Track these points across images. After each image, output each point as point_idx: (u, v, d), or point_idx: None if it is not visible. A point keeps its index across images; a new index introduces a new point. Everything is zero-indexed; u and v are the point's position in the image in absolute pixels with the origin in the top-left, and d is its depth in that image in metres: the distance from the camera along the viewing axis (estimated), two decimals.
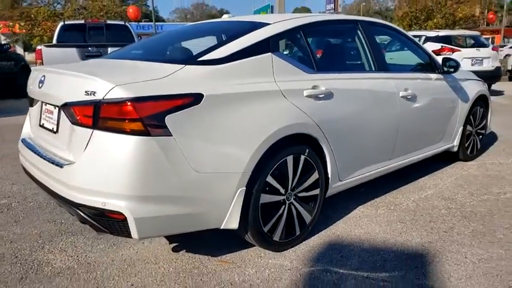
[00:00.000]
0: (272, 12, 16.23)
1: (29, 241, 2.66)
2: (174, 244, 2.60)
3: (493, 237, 2.67)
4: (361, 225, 2.87)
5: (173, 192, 1.97)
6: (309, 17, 2.81)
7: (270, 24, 2.58)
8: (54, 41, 8.10)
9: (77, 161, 2.00)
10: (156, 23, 25.53)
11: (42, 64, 6.99)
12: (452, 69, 3.75)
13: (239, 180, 2.13)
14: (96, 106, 1.89)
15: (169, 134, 1.91)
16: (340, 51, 3.27)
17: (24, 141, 2.61)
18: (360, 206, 3.19)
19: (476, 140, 4.46)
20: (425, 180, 3.81)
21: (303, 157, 2.45)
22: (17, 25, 14.83)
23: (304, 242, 2.60)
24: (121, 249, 2.54)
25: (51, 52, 7.04)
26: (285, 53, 2.54)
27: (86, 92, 1.93)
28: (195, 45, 2.85)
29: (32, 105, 2.63)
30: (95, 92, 1.90)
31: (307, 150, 2.47)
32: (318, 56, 2.82)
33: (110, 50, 7.31)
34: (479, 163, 4.36)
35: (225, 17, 3.14)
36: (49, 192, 2.19)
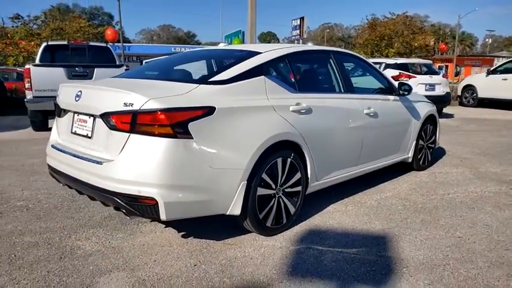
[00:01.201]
0: (243, 37, 17.29)
1: (55, 233, 3.09)
2: (183, 232, 3.11)
3: (437, 224, 3.37)
4: (334, 217, 3.50)
5: (193, 182, 2.53)
6: (292, 47, 3.49)
7: (261, 53, 3.22)
8: (37, 61, 8.40)
9: (115, 159, 2.52)
10: (124, 44, 26.13)
11: (30, 83, 7.32)
12: (406, 92, 4.54)
13: (242, 175, 2.72)
14: (134, 115, 2.44)
15: (191, 137, 2.48)
16: (316, 75, 3.96)
17: (54, 146, 3.09)
18: (332, 204, 3.82)
19: (427, 153, 5.25)
20: (385, 185, 4.52)
21: (289, 160, 3.07)
22: None
23: (289, 229, 3.19)
24: (138, 237, 3.03)
25: (39, 71, 7.40)
26: (273, 76, 3.17)
27: (124, 103, 2.48)
28: (198, 68, 3.47)
29: (60, 116, 3.12)
30: (132, 104, 2.45)
31: (292, 154, 3.10)
32: (299, 79, 3.48)
33: (96, 70, 7.74)
34: (430, 172, 5.14)
35: (221, 45, 3.76)
36: (86, 186, 2.68)
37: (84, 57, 9.07)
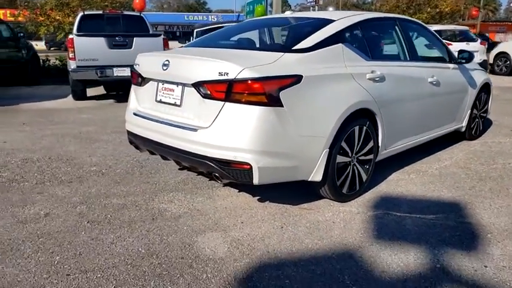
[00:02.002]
0: (267, 5, 16.95)
1: (138, 196, 3.25)
2: (258, 197, 3.23)
3: (508, 192, 3.41)
4: (400, 185, 3.57)
5: (283, 149, 2.62)
6: (364, 14, 3.46)
7: (335, 20, 3.21)
8: (75, 31, 8.46)
9: (210, 126, 2.61)
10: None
11: (74, 52, 7.42)
12: (464, 60, 4.47)
13: (325, 143, 2.79)
14: (230, 84, 2.51)
15: (282, 106, 2.54)
16: (386, 43, 3.94)
17: (136, 114, 3.19)
18: (395, 173, 3.88)
19: (479, 122, 5.22)
20: (440, 154, 4.55)
21: (364, 128, 3.12)
22: (22, 14, 14.93)
23: (361, 196, 3.28)
24: (217, 201, 3.17)
25: (82, 41, 7.48)
26: (349, 44, 3.17)
27: (219, 72, 2.54)
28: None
29: (140, 85, 3.20)
30: (227, 73, 2.51)
31: (367, 123, 3.14)
32: (371, 47, 3.47)
33: (135, 40, 7.75)
34: (482, 142, 5.13)
35: (288, 13, 3.74)
36: (176, 152, 2.79)
37: (118, 27, 9.08)
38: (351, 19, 3.30)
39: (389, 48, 3.83)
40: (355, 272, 2.23)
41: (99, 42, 7.55)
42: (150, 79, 3.10)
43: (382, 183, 3.60)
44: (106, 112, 6.91)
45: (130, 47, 7.61)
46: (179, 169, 3.86)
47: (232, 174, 2.62)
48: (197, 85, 2.66)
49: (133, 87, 3.35)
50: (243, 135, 2.52)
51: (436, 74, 4.00)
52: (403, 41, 3.77)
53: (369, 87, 3.10)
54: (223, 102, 2.56)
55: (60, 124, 6.00)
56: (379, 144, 3.36)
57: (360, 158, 3.19)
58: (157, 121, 2.99)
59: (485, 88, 5.12)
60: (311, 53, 2.85)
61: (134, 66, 3.27)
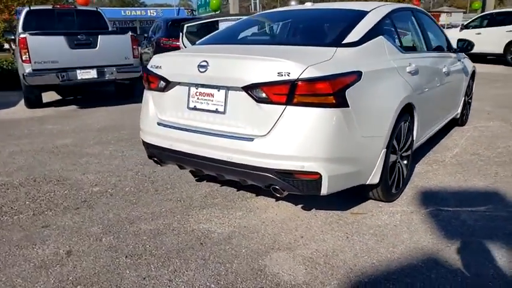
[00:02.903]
0: None
1: (168, 217, 2.86)
2: (300, 205, 2.98)
3: None
4: (431, 178, 3.50)
5: (349, 153, 2.40)
6: (389, 5, 3.30)
7: (369, 11, 3.03)
8: (20, 29, 7.56)
9: (269, 134, 2.31)
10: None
11: (28, 54, 6.56)
12: (461, 49, 4.51)
13: (384, 142, 2.61)
14: (293, 85, 2.22)
15: (348, 106, 2.31)
16: (410, 34, 3.84)
17: (162, 124, 2.79)
18: (417, 165, 3.82)
19: (468, 108, 5.36)
20: (444, 142, 4.59)
21: (407, 123, 2.99)
22: None
23: (403, 194, 3.16)
24: (260, 214, 2.87)
25: (38, 40, 6.61)
26: (386, 36, 3.00)
27: (279, 73, 2.25)
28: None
29: (163, 90, 2.79)
30: (289, 73, 2.23)
31: (409, 118, 3.01)
32: (400, 38, 3.34)
33: (100, 38, 7.03)
34: (472, 127, 5.28)
35: (308, 5, 3.48)
36: (223, 165, 2.46)
37: (72, 24, 8.29)
38: (382, 10, 3.14)
39: (412, 39, 3.74)
40: (455, 280, 2.09)
41: (59, 41, 6.72)
42: (178, 83, 2.71)
43: (413, 177, 3.51)
44: (75, 121, 6.21)
45: (95, 47, 6.88)
46: (197, 180, 3.50)
47: (296, 185, 2.35)
48: (250, 88, 2.34)
49: (150, 93, 2.93)
50: (310, 141, 2.26)
51: (446, 64, 3.99)
52: (420, 32, 3.70)
53: (410, 81, 2.97)
54: (284, 106, 2.28)
55: (26, 138, 5.26)
56: (414, 138, 3.26)
57: (403, 154, 3.06)
58: (192, 131, 2.62)
59: (473, 75, 5.26)
60: (361, 46, 2.64)
61: (151, 68, 2.85)
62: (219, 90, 2.52)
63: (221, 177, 2.68)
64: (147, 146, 2.92)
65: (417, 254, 2.34)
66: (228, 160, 2.44)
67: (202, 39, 3.38)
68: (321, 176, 2.29)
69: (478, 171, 3.62)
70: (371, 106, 2.50)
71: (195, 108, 2.64)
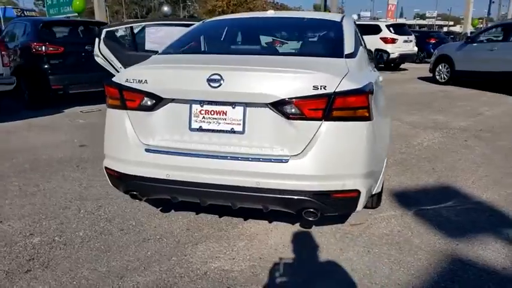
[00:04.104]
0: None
1: (163, 262, 2.36)
2: (296, 224, 2.80)
3: (414, 173, 4.02)
4: (386, 179, 3.72)
5: (375, 166, 2.34)
6: (344, 15, 3.37)
7: (341, 21, 3.03)
8: None
9: (303, 153, 2.09)
10: None
11: None
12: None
13: (386, 151, 2.65)
14: (330, 99, 2.06)
15: (372, 118, 2.26)
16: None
17: (151, 150, 2.28)
18: None
19: None
20: None
21: None
22: None
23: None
24: (265, 241, 2.61)
25: None
26: None
27: (314, 86, 2.05)
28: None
29: (152, 109, 2.28)
30: (325, 86, 2.06)
31: None
32: None
33: None
34: None
35: (271, 12, 3.27)
36: (244, 192, 2.15)
37: None
38: (349, 20, 3.17)
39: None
40: (493, 278, 2.21)
41: None
42: (174, 100, 2.25)
43: None
44: None
45: None
46: (161, 210, 3.01)
47: (334, 205, 2.20)
48: (279, 104, 2.08)
49: (125, 113, 2.36)
50: (349, 158, 2.13)
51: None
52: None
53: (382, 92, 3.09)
54: (320, 122, 2.09)
55: None
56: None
57: None
58: (197, 156, 2.21)
59: None
60: (357, 58, 2.61)
61: (127, 83, 2.31)
62: (234, 107, 2.17)
63: (234, 207, 2.33)
64: (128, 178, 2.36)
65: (440, 256, 2.42)
66: (255, 186, 2.12)
67: (166, 47, 2.89)
68: (359, 193, 2.18)
69: (419, 169, 4.01)
70: (381, 116, 2.50)
71: (200, 129, 2.23)
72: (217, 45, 3.00)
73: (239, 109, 2.17)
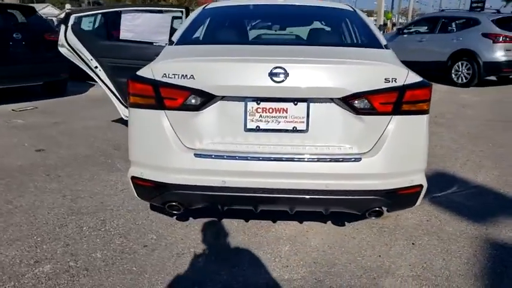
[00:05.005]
0: None
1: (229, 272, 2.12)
2: (328, 221, 2.72)
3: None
4: None
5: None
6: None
7: (355, 11, 2.98)
8: None
9: (376, 150, 2.00)
10: None
11: None
12: None
13: None
14: (401, 92, 1.98)
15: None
16: None
17: (206, 155, 2.00)
18: None
19: None
20: None
21: None
22: None
23: None
24: (308, 243, 2.48)
25: None
26: None
27: (386, 79, 1.96)
28: None
29: (199, 108, 2.00)
30: (395, 79, 1.98)
31: None
32: None
33: None
34: None
35: (281, 0, 3.04)
36: (311, 195, 2.01)
37: None
38: (358, 10, 3.12)
39: None
40: None
41: None
42: (225, 97, 1.99)
43: None
44: None
45: None
46: (178, 218, 2.72)
47: (399, 202, 2.16)
48: (349, 99, 1.96)
49: (162, 113, 2.05)
50: (416, 152, 2.10)
51: None
52: None
53: None
54: (389, 117, 2.01)
55: None
56: None
57: None
58: (254, 159, 2.01)
59: None
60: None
61: (170, 78, 1.99)
62: (295, 104, 1.99)
63: (291, 211, 2.16)
64: (171, 188, 2.05)
65: (479, 242, 2.51)
66: (323, 189, 1.98)
67: (179, 37, 2.54)
68: (422, 187, 2.15)
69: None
70: None
71: (257, 129, 2.02)
72: (246, 36, 2.75)
73: (302, 106, 2.00)
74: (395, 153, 2.04)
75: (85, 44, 3.61)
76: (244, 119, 2.01)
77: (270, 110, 2.01)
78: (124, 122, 5.24)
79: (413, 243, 2.49)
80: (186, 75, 1.97)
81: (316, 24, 3.03)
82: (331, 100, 1.98)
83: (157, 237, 2.52)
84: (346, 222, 2.71)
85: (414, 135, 2.09)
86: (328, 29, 2.99)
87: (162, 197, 2.13)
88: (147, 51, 3.78)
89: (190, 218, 2.73)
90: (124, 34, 3.74)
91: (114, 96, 3.84)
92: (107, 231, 2.59)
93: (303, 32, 2.88)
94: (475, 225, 2.71)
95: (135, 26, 3.73)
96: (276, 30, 3.11)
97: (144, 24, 3.75)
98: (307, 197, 2.01)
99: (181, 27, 2.77)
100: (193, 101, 2.00)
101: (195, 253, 2.35)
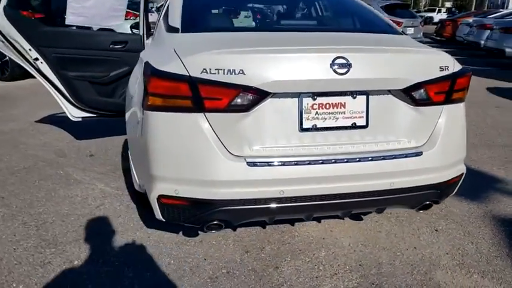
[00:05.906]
0: None
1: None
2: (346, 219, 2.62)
3: None
4: None
5: None
6: None
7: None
8: None
9: (433, 142, 1.92)
10: None
11: None
12: None
13: None
14: (453, 80, 1.91)
15: None
16: None
17: (262, 162, 1.69)
18: None
19: None
20: None
21: None
22: None
23: None
24: (342, 243, 2.33)
25: None
26: None
27: (441, 67, 1.86)
28: None
29: (248, 110, 1.68)
30: (447, 67, 1.89)
31: None
32: None
33: None
34: None
35: None
36: (373, 196, 1.85)
37: None
38: None
39: None
40: None
41: None
42: (276, 94, 1.70)
43: None
44: None
45: None
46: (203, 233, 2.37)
47: (446, 192, 2.09)
48: (410, 89, 1.82)
49: (206, 116, 1.67)
50: (461, 141, 2.06)
51: None
52: None
53: None
54: (442, 106, 1.93)
55: None
56: None
57: None
58: (313, 163, 1.77)
59: None
60: None
61: (213, 74, 1.63)
62: (354, 97, 1.79)
63: (345, 216, 1.98)
64: (217, 205, 1.71)
65: (492, 221, 2.59)
66: (388, 188, 1.83)
67: (185, 24, 2.11)
68: (462, 175, 2.12)
69: None
70: None
71: (314, 129, 1.77)
72: (265, 22, 2.41)
73: (361, 99, 1.80)
74: (448, 143, 1.97)
75: (22, 31, 2.89)
76: (299, 117, 1.75)
77: (327, 106, 1.77)
78: (52, 122, 4.46)
79: (436, 230, 2.50)
80: (234, 70, 1.63)
81: (328, 10, 2.84)
82: (389, 92, 1.82)
83: (175, 262, 2.14)
84: (362, 215, 2.62)
85: (459, 123, 2.04)
86: (343, 15, 2.81)
87: (203, 216, 1.76)
88: (101, 39, 3.22)
89: (200, 233, 2.39)
90: (71, 18, 3.09)
91: (59, 93, 3.18)
92: (113, 262, 2.12)
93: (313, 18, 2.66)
94: (479, 206, 2.81)
95: (85, 8, 3.10)
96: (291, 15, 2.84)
97: (95, 7, 3.14)
98: (369, 198, 1.85)
99: (173, 9, 2.32)
100: (241, 100, 1.66)
101: (231, 274, 2.04)
